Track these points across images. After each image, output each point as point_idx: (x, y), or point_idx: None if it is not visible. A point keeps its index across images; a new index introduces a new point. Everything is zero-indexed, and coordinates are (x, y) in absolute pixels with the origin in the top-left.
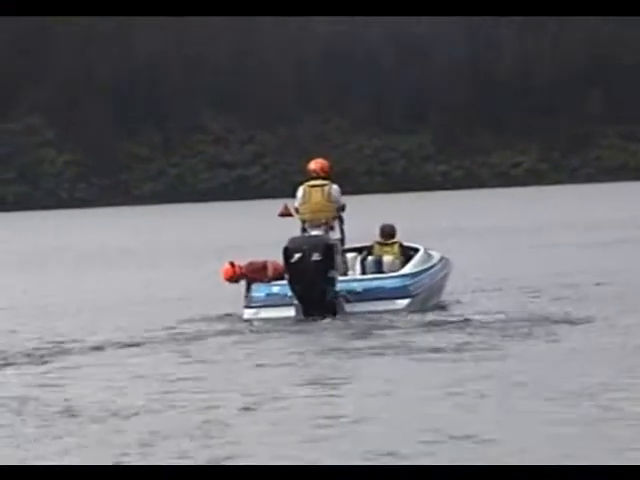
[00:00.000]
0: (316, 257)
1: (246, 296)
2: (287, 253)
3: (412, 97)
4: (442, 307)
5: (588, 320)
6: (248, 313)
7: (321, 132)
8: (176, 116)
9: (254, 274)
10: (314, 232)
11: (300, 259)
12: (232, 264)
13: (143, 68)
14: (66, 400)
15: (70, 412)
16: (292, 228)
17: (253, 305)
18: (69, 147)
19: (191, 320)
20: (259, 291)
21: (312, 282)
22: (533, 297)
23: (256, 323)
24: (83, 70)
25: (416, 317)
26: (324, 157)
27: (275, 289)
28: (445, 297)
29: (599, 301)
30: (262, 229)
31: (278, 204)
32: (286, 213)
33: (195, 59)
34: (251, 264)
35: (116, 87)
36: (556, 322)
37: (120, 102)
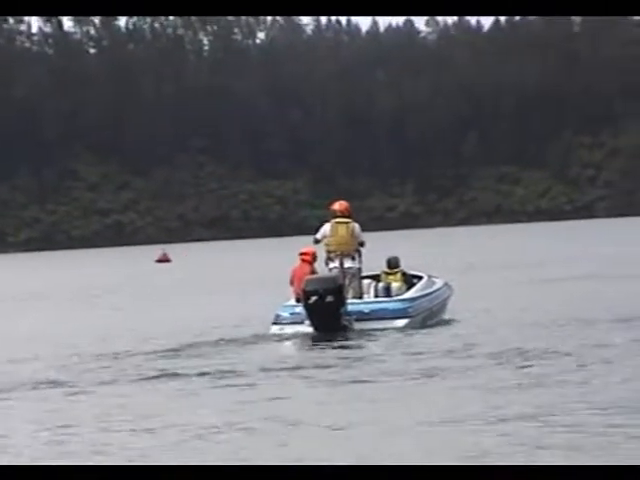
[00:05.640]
0: (330, 299)
1: None
2: (305, 294)
3: (288, 142)
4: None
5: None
6: (275, 329)
7: (196, 177)
8: (51, 162)
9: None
10: (334, 264)
11: (316, 301)
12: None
13: (19, 114)
14: None
15: None
16: (170, 273)
17: (279, 322)
18: None
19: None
20: (285, 310)
21: (327, 319)
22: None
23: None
24: None
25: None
26: (335, 201)
27: (298, 309)
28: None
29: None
30: (139, 275)
31: (154, 250)
32: (164, 259)
33: (71, 105)
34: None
35: None
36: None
37: None
